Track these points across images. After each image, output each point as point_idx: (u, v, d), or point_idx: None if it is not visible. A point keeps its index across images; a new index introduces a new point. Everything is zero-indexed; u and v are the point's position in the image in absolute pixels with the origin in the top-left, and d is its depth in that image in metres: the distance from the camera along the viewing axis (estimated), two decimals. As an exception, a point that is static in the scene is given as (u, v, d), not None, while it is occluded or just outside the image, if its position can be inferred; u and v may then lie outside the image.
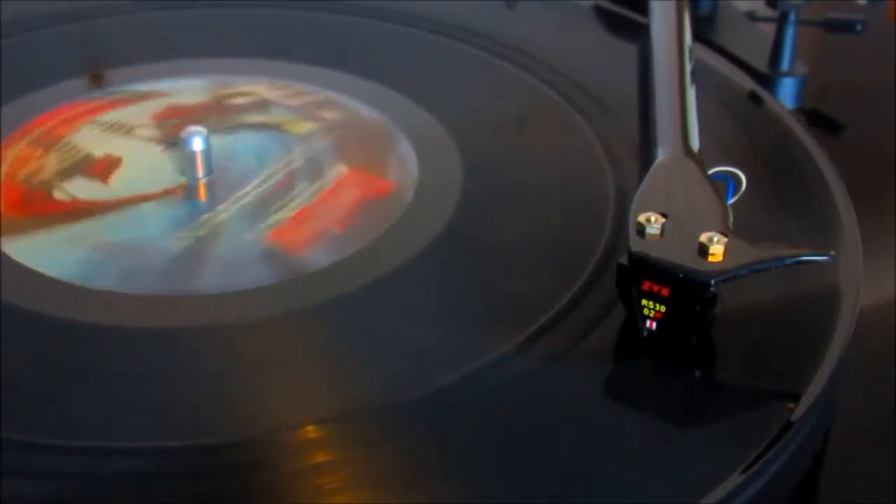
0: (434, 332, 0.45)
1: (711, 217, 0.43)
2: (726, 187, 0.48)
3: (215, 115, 0.56)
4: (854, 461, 0.45)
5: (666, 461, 0.40)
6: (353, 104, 0.57)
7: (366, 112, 0.57)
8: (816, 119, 0.63)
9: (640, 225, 0.43)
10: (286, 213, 0.50)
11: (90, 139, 0.55)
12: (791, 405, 0.41)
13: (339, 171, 0.53)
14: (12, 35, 0.62)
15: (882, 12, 0.73)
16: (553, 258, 0.48)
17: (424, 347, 0.44)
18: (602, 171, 0.52)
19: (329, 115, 0.57)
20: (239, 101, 0.58)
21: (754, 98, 0.58)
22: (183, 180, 0.52)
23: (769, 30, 0.65)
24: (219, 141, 0.53)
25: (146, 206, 0.51)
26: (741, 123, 0.56)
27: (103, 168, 0.53)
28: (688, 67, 0.55)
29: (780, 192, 0.51)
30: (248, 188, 0.52)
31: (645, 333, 0.43)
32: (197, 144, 0.52)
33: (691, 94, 0.53)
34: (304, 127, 0.56)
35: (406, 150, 0.54)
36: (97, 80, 0.60)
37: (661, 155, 0.49)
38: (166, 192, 0.52)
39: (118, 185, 0.52)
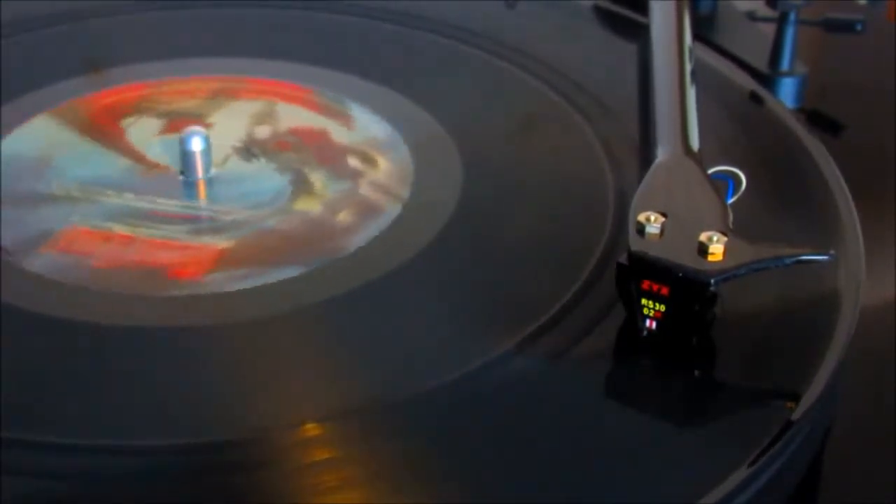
0: (434, 332, 0.45)
1: (711, 217, 0.43)
2: (726, 187, 0.47)
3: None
4: (854, 461, 0.45)
5: (666, 461, 0.40)
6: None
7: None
8: (816, 119, 0.63)
9: (639, 224, 0.43)
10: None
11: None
12: (791, 405, 0.41)
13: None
14: (12, 35, 0.62)
15: (882, 12, 0.73)
16: (553, 258, 0.48)
17: (424, 347, 0.44)
18: (602, 172, 0.52)
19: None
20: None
21: (754, 98, 0.58)
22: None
23: (769, 30, 0.65)
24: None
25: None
26: (741, 123, 0.56)
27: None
28: (688, 67, 0.55)
29: (780, 192, 0.51)
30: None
31: (645, 333, 0.43)
32: (196, 144, 0.52)
33: (691, 94, 0.53)
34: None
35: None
36: (98, 77, 0.60)
37: (661, 155, 0.49)
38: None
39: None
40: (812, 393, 0.41)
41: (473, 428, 0.41)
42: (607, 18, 0.65)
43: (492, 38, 0.62)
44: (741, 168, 0.48)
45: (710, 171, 0.47)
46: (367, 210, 0.50)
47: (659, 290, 0.42)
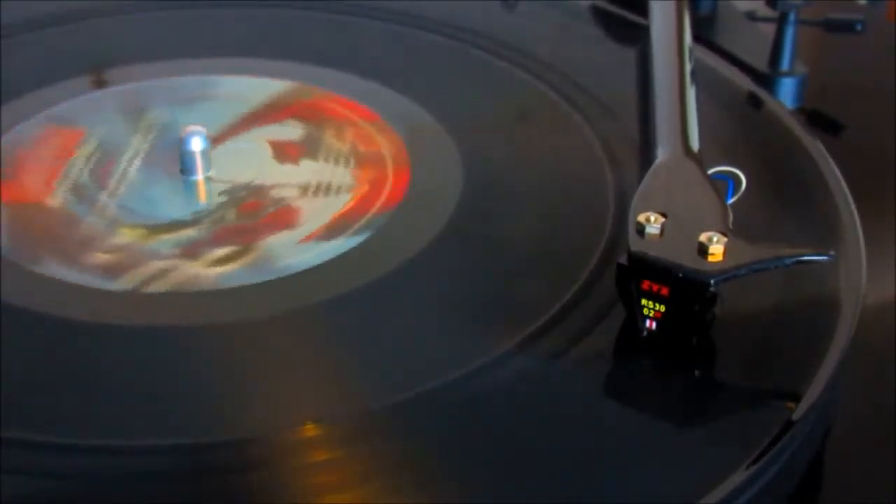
0: (433, 332, 0.45)
1: (711, 217, 0.43)
2: (726, 187, 0.47)
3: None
4: (854, 461, 0.45)
5: (666, 461, 0.40)
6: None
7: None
8: (816, 119, 0.63)
9: (639, 224, 0.43)
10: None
11: None
12: (791, 405, 0.41)
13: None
14: (12, 35, 0.62)
15: (882, 12, 0.73)
16: (553, 258, 0.48)
17: (424, 347, 0.44)
18: (602, 172, 0.52)
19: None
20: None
21: (754, 98, 0.58)
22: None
23: (769, 30, 0.65)
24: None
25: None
26: (741, 123, 0.56)
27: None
28: (688, 67, 0.55)
29: (780, 192, 0.51)
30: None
31: (645, 333, 0.43)
32: (196, 144, 0.52)
33: (691, 94, 0.53)
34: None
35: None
36: (99, 80, 0.60)
37: (661, 155, 0.49)
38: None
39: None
40: (812, 393, 0.41)
41: (473, 428, 0.41)
42: (607, 19, 0.65)
43: (492, 38, 0.62)
44: (741, 168, 0.48)
45: (710, 171, 0.47)
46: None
47: (659, 290, 0.42)
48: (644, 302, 0.42)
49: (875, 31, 0.68)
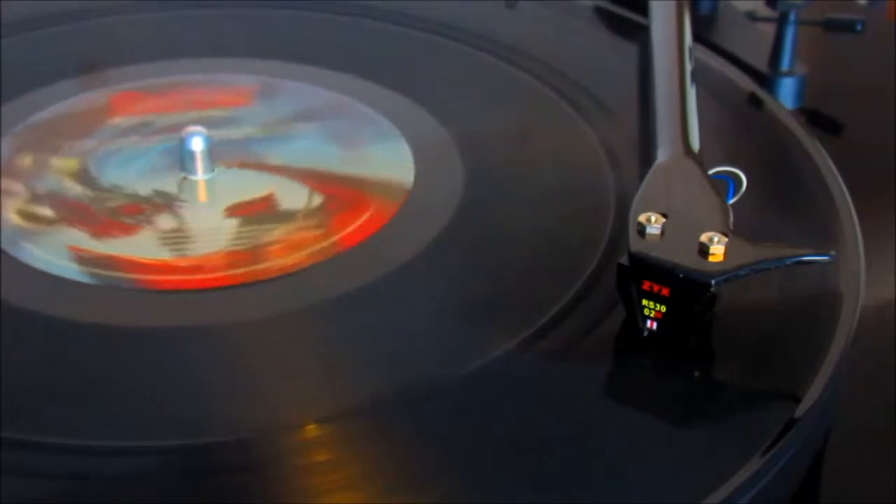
0: (434, 332, 0.45)
1: (712, 217, 0.43)
2: (726, 187, 0.47)
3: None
4: (854, 461, 0.45)
5: (666, 461, 0.40)
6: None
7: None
8: (816, 119, 0.63)
9: (640, 225, 0.43)
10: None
11: None
12: (791, 405, 0.41)
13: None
14: (12, 35, 0.62)
15: (882, 12, 0.73)
16: (553, 258, 0.48)
17: (424, 347, 0.44)
18: (602, 172, 0.52)
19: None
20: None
21: (754, 98, 0.58)
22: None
23: (769, 30, 0.65)
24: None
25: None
26: (741, 123, 0.56)
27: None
28: (688, 67, 0.55)
29: (780, 192, 0.51)
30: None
31: (645, 333, 0.43)
32: (196, 144, 0.52)
33: (691, 94, 0.53)
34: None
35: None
36: (97, 78, 0.60)
37: (661, 155, 0.49)
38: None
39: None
40: (812, 393, 0.41)
41: (473, 428, 0.41)
42: (607, 19, 0.65)
43: (491, 37, 0.62)
44: (741, 168, 0.48)
45: (710, 171, 0.47)
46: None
47: (659, 290, 0.42)
48: (645, 302, 0.42)
49: (875, 31, 0.68)
